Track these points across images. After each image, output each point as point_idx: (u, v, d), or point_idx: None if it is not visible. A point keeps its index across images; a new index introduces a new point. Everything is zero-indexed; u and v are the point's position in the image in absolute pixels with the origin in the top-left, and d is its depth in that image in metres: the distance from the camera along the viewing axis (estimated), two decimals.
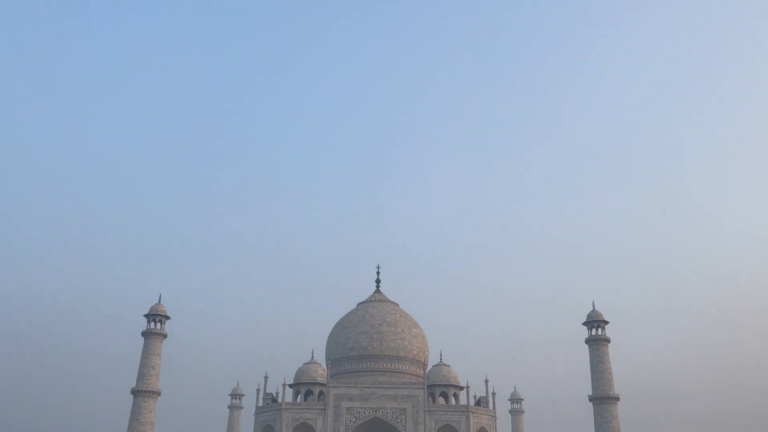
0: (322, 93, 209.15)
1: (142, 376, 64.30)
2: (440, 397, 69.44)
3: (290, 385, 69.72)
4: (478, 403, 69.45)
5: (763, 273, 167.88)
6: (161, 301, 68.14)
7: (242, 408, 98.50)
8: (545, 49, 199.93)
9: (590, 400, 64.90)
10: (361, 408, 66.41)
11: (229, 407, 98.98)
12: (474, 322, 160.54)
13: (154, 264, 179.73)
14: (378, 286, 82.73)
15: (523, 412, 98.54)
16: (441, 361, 72.88)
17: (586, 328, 67.92)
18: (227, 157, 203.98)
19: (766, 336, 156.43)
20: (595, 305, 68.80)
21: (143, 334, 66.43)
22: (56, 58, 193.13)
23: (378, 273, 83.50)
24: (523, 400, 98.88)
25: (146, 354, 65.47)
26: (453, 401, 69.23)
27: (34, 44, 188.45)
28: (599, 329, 67.20)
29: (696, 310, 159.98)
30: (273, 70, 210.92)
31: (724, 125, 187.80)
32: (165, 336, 66.90)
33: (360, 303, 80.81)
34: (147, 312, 67.23)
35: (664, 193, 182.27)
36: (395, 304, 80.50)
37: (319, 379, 69.43)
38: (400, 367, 74.60)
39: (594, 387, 64.94)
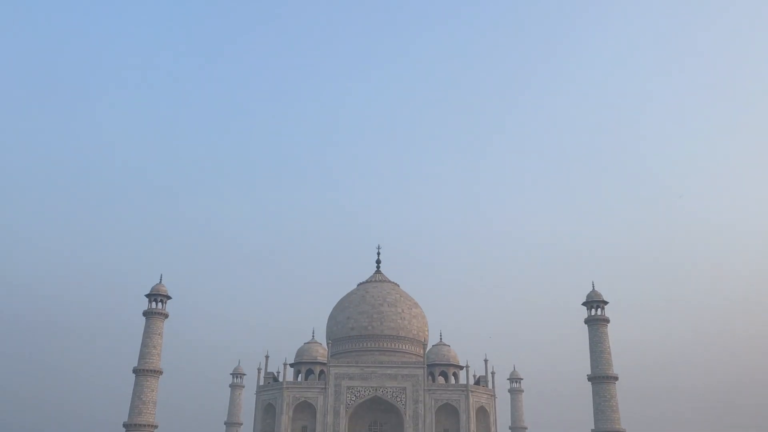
0: (324, 77, 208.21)
1: (143, 355, 64.50)
2: (440, 377, 69.94)
3: (291, 365, 70.20)
4: (477, 382, 69.97)
5: (762, 252, 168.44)
6: (162, 281, 68.27)
7: (243, 387, 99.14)
8: (553, 39, 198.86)
9: (589, 379, 65.20)
10: (362, 387, 66.92)
11: (230, 386, 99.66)
12: (474, 302, 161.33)
13: (155, 244, 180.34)
14: (378, 267, 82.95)
15: (523, 391, 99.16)
16: (441, 341, 73.29)
17: (585, 308, 68.07)
18: (228, 139, 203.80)
19: (764, 315, 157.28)
20: (594, 285, 68.88)
21: (144, 313, 66.53)
22: (56, 52, 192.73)
23: (378, 254, 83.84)
24: (522, 379, 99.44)
25: (148, 333, 65.62)
26: (453, 380, 69.74)
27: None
28: (599, 309, 67.30)
29: (695, 291, 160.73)
30: (271, 52, 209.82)
31: (718, 109, 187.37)
32: (166, 316, 67.00)
33: (360, 283, 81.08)
34: (148, 292, 67.35)
35: (665, 174, 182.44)
36: (395, 284, 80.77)
37: (320, 359, 69.89)
38: (401, 346, 75.04)
39: (593, 366, 65.25)
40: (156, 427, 62.95)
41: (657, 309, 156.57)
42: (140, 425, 61.51)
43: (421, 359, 70.70)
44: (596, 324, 66.54)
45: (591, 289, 68.51)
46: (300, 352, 71.40)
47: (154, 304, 66.80)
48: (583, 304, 68.10)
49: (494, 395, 70.75)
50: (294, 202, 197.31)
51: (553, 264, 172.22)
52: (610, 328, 67.05)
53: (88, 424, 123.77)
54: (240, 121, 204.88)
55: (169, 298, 67.63)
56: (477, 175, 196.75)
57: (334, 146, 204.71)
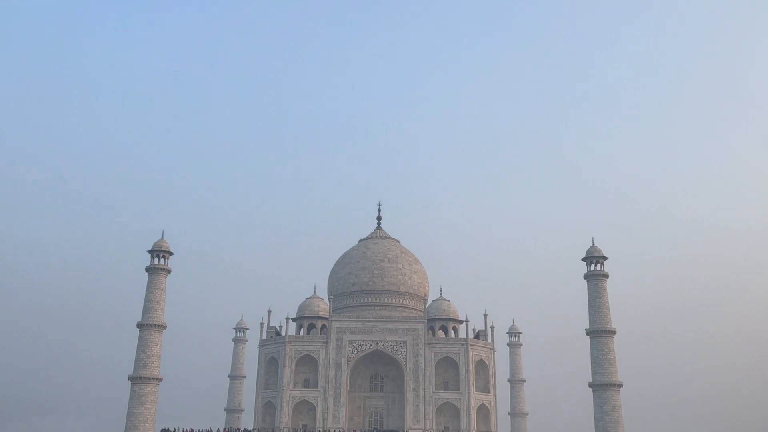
0: (328, 32, 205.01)
1: (147, 310, 65.04)
2: (440, 331, 70.84)
3: (293, 319, 71.06)
4: (477, 336, 70.85)
5: (761, 212, 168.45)
6: (164, 237, 68.31)
7: (247, 341, 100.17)
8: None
9: (587, 333, 65.84)
10: (363, 341, 67.83)
11: (233, 340, 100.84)
12: (474, 258, 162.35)
13: (157, 201, 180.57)
14: (379, 224, 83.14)
15: (521, 344, 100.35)
16: (441, 296, 73.98)
17: (585, 263, 68.19)
18: (229, 91, 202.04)
19: (763, 274, 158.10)
20: (594, 241, 68.89)
21: (147, 269, 66.82)
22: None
23: (379, 210, 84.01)
24: (521, 333, 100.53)
25: (151, 289, 65.98)
26: (452, 335, 70.65)
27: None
28: (598, 265, 67.47)
29: (694, 248, 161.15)
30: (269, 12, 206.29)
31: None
32: (169, 271, 67.26)
33: (361, 240, 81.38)
34: (151, 248, 67.49)
35: (667, 134, 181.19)
36: (396, 240, 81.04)
37: (322, 313, 70.72)
38: (401, 301, 75.75)
39: (591, 321, 65.80)
40: (161, 380, 64.04)
41: (656, 265, 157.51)
42: (145, 378, 62.61)
43: (422, 314, 71.41)
44: (595, 279, 66.80)
45: (591, 244, 68.61)
46: (302, 307, 72.16)
47: (156, 259, 67.03)
48: (583, 259, 68.24)
49: (493, 349, 71.70)
50: (295, 158, 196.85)
51: (554, 220, 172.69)
52: (609, 284, 67.42)
53: (95, 378, 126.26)
54: (242, 71, 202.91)
55: (171, 254, 67.84)
56: (476, 132, 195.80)
57: (335, 102, 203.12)
